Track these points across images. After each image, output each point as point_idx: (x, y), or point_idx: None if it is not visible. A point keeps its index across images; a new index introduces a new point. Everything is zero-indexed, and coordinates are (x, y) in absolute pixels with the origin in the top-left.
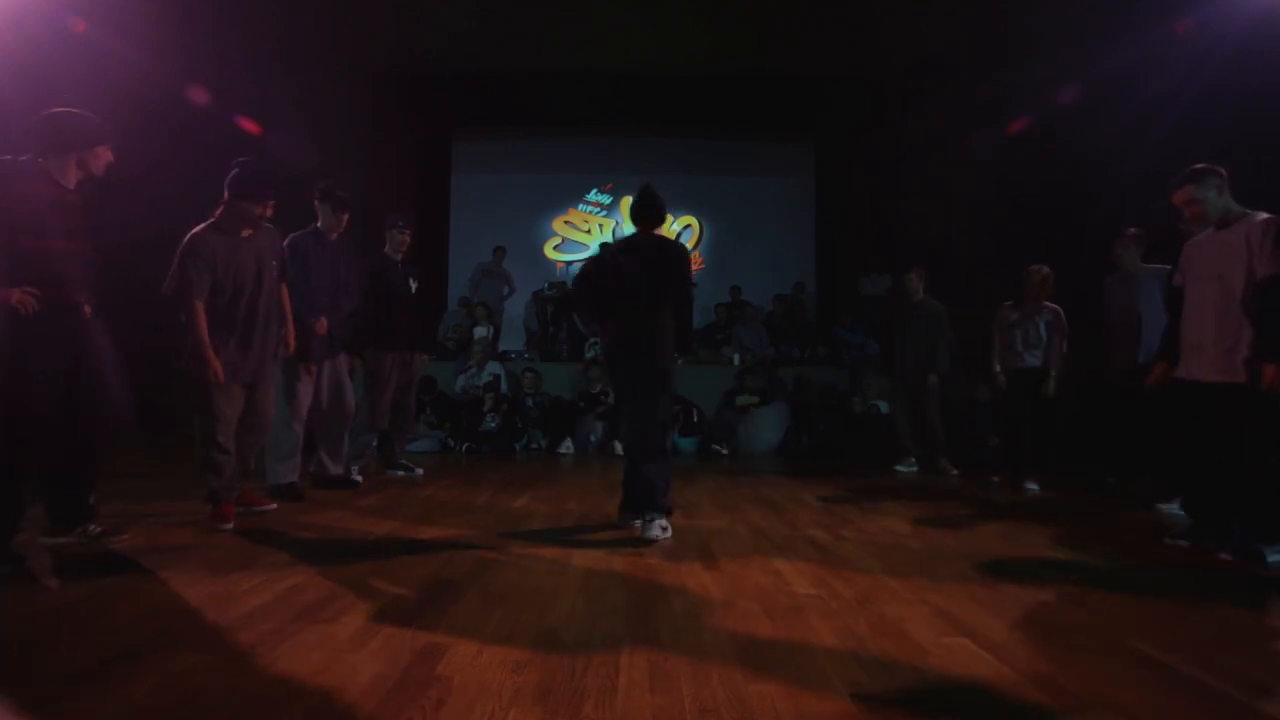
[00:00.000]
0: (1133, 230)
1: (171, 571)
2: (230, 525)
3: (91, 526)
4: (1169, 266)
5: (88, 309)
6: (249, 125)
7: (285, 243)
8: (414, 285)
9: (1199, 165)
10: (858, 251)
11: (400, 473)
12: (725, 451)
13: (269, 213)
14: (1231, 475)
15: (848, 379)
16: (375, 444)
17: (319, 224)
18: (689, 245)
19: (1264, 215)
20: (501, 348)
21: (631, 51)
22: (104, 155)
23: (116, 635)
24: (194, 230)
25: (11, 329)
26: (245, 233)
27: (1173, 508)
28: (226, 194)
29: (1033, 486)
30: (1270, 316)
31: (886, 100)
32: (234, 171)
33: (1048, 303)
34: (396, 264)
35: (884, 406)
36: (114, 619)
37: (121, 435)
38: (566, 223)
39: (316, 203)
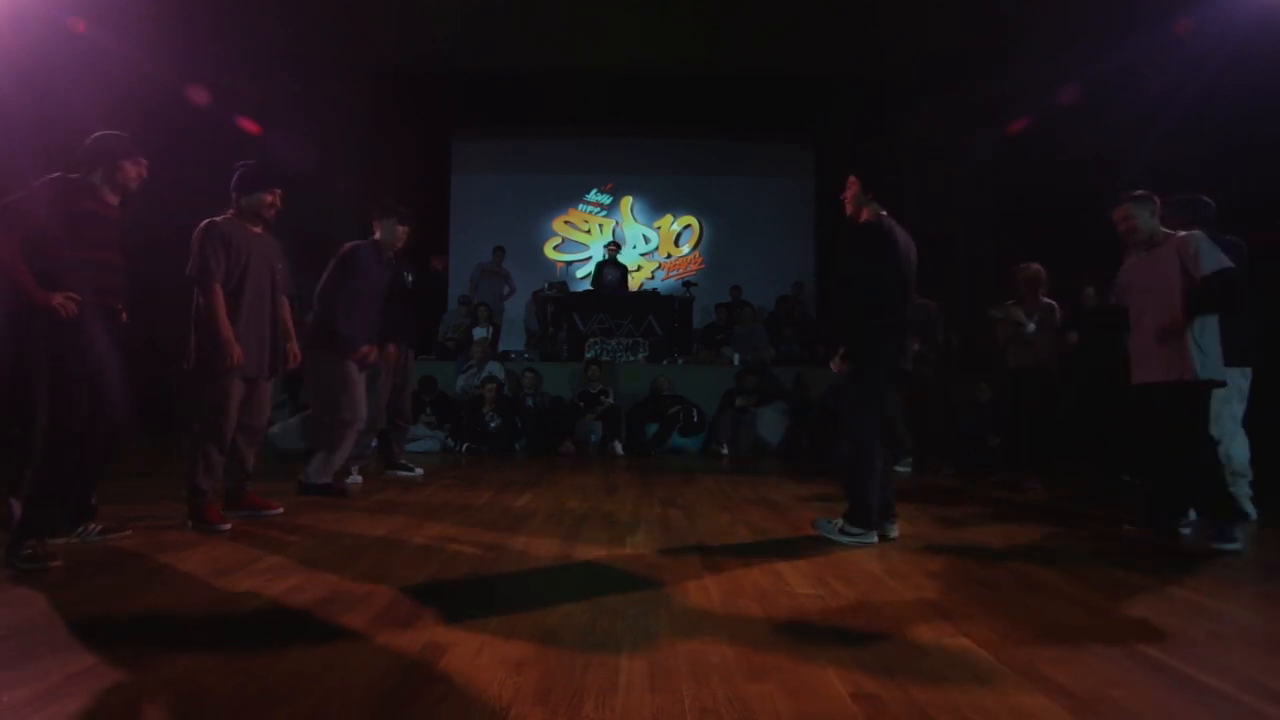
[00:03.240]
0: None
1: (171, 571)
2: (228, 526)
3: (92, 525)
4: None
5: (124, 315)
6: (249, 125)
7: (346, 248)
8: (409, 279)
9: (1139, 190)
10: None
11: (400, 473)
12: (725, 451)
13: (278, 203)
14: (1187, 464)
15: None
16: (375, 444)
17: (378, 236)
18: (689, 245)
19: (1183, 233)
20: (501, 348)
21: (631, 51)
22: (130, 170)
23: (117, 635)
24: (210, 219)
25: (54, 333)
26: (256, 229)
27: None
28: (235, 194)
29: (1033, 486)
30: (1225, 303)
31: (886, 100)
32: (238, 173)
33: (1045, 299)
34: (390, 258)
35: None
36: (114, 619)
37: (120, 435)
38: (566, 223)
39: (376, 220)
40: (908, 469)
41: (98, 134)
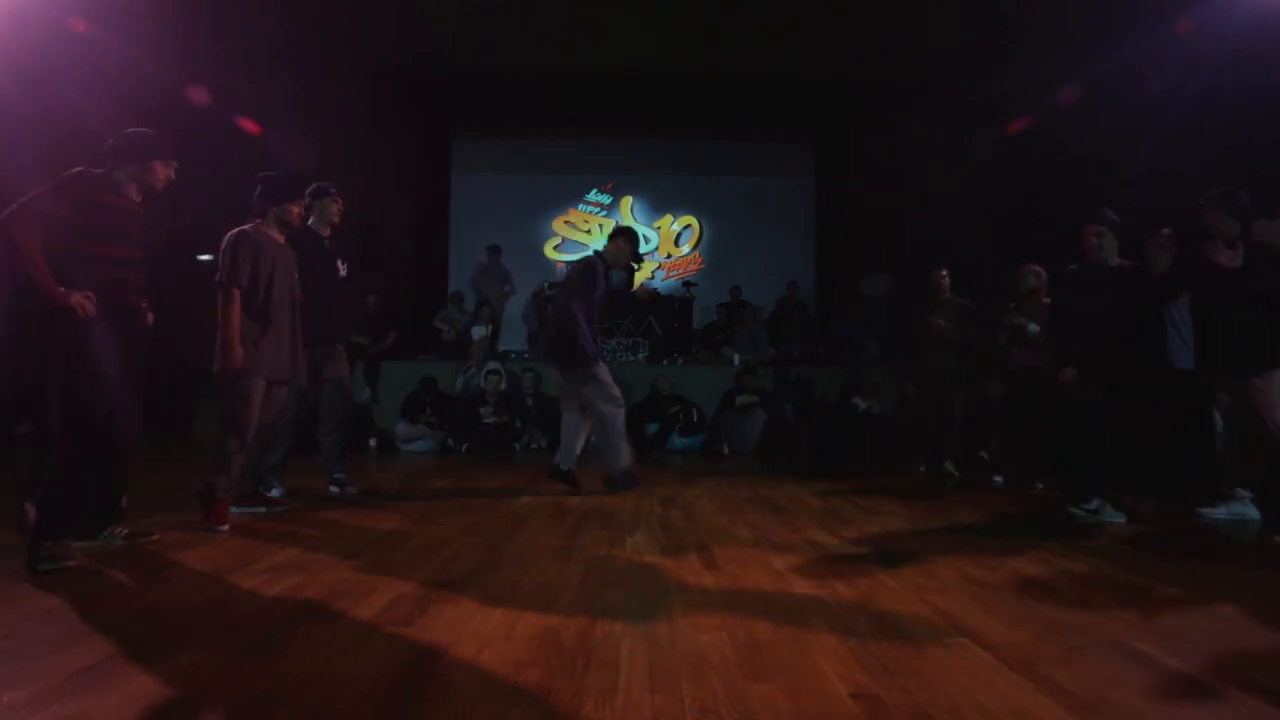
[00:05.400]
0: (1167, 232)
1: (171, 571)
2: (226, 527)
3: (120, 529)
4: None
5: (149, 315)
6: (249, 125)
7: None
8: (343, 268)
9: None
10: (858, 251)
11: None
12: (725, 451)
13: (304, 212)
14: None
15: (848, 379)
16: (374, 444)
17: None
18: (689, 245)
19: None
20: (501, 347)
21: (631, 51)
22: (160, 171)
23: (117, 635)
24: (240, 228)
25: (67, 333)
26: (280, 238)
27: (1218, 511)
28: (262, 204)
29: (1041, 487)
30: None
31: (886, 100)
32: (265, 184)
33: (1046, 300)
34: (322, 242)
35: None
36: (114, 619)
37: (131, 440)
38: (566, 223)
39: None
40: (919, 469)
41: (131, 129)
